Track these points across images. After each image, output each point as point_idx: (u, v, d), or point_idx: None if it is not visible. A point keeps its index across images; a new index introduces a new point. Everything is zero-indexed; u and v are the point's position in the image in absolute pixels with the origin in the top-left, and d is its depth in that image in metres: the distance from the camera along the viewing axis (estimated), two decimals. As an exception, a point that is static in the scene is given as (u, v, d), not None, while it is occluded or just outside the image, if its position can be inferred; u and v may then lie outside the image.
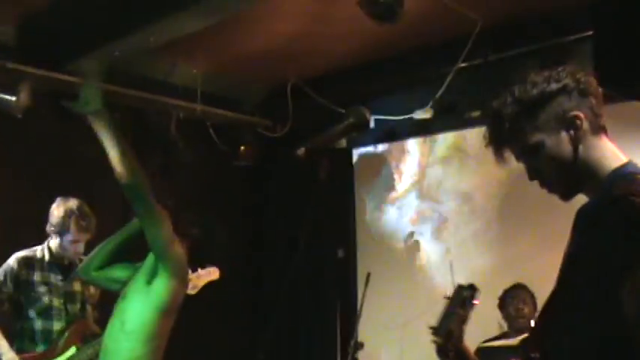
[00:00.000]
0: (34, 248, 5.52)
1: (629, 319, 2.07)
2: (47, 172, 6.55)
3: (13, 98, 6.05)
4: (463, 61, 6.32)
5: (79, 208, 5.41)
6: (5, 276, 5.39)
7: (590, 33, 5.13)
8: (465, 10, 5.86)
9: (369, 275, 6.10)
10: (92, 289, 5.56)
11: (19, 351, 5.33)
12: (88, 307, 5.57)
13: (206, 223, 4.75)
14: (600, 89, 2.40)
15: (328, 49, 6.88)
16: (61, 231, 5.40)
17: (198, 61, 7.09)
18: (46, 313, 5.40)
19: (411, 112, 6.90)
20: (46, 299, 5.41)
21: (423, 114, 6.84)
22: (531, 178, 2.42)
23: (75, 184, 6.06)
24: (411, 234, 7.44)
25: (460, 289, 3.08)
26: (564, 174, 2.35)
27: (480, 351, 5.33)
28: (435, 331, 2.98)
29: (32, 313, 5.38)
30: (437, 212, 7.26)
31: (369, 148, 7.86)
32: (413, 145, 7.54)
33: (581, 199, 2.38)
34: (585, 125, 2.34)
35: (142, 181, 4.14)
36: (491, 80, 5.90)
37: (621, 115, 5.55)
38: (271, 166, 8.17)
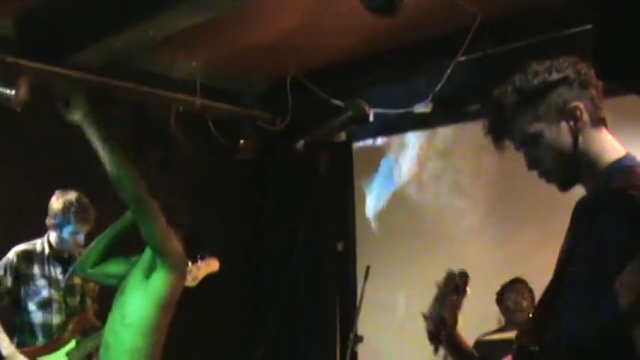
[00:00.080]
0: (34, 242, 5.52)
1: (623, 311, 2.08)
2: (46, 165, 6.55)
3: (12, 92, 6.05)
4: (463, 55, 6.31)
5: (78, 200, 5.42)
6: (5, 270, 5.40)
7: (590, 26, 5.12)
8: (464, 3, 5.85)
9: (368, 268, 6.10)
10: (92, 283, 5.57)
11: (19, 345, 5.34)
12: (88, 300, 5.58)
13: (198, 212, 4.76)
14: (600, 82, 2.40)
15: (328, 43, 6.87)
16: (61, 223, 5.40)
17: (197, 54, 7.08)
18: (45, 306, 5.40)
19: (411, 105, 6.89)
20: (45, 293, 5.41)
21: (422, 107, 6.83)
22: (530, 167, 2.43)
23: (74, 177, 6.06)
24: (411, 227, 7.44)
25: (451, 275, 3.08)
26: (563, 164, 2.36)
27: (478, 344, 5.34)
28: (427, 316, 2.98)
29: (32, 307, 5.39)
30: (436, 206, 7.26)
31: (369, 142, 7.85)
32: (412, 138, 7.53)
33: (580, 193, 2.39)
34: (585, 116, 2.34)
35: (133, 178, 4.16)
36: (491, 73, 5.89)
37: (621, 108, 5.56)
38: (271, 159, 8.16)
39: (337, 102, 6.66)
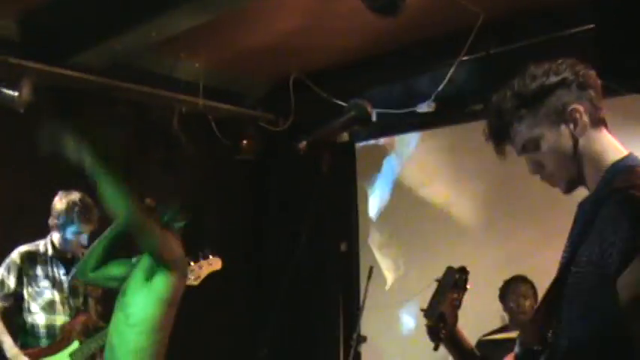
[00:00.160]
0: (37, 242, 5.53)
1: (624, 310, 2.08)
2: (49, 165, 6.54)
3: (16, 93, 6.06)
4: (465, 54, 6.32)
5: (81, 200, 5.42)
6: (8, 271, 5.40)
7: (593, 26, 5.13)
8: (467, 3, 5.85)
9: (371, 269, 6.10)
10: (94, 285, 5.58)
11: (22, 346, 5.34)
12: (91, 301, 5.58)
13: (200, 212, 4.78)
14: (600, 82, 2.40)
15: (331, 43, 6.87)
16: (65, 223, 5.41)
17: (200, 55, 7.09)
18: (49, 307, 5.40)
19: (414, 105, 6.89)
20: (49, 294, 5.41)
21: (425, 107, 6.83)
22: (532, 172, 2.43)
23: (76, 177, 6.06)
24: (413, 227, 7.43)
25: (450, 271, 3.07)
26: (565, 167, 2.36)
27: (481, 343, 5.34)
28: (426, 313, 2.97)
29: (35, 308, 5.39)
30: (438, 205, 7.25)
31: (372, 142, 7.85)
32: (415, 138, 7.53)
33: (583, 193, 2.39)
34: (585, 118, 2.34)
35: (127, 202, 4.17)
36: (493, 73, 5.90)
37: (624, 108, 5.56)
38: (273, 159, 8.17)
39: (340, 102, 6.66)
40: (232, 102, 7.81)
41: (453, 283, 3.02)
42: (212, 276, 5.47)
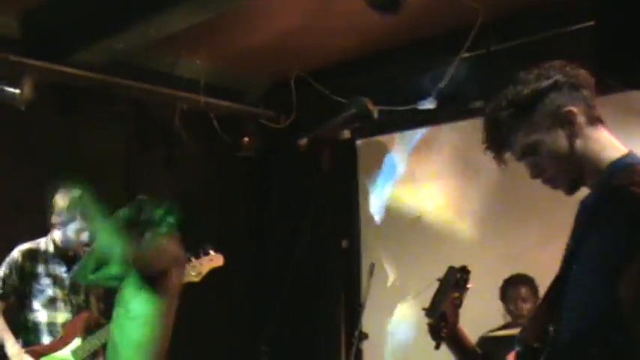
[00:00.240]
0: (38, 240, 5.53)
1: (625, 307, 2.09)
2: (50, 163, 6.56)
3: (17, 91, 6.07)
4: (466, 52, 6.32)
5: (82, 197, 5.42)
6: (10, 269, 5.40)
7: (592, 23, 5.12)
8: (467, 1, 5.85)
9: (372, 265, 6.10)
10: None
11: (24, 343, 5.35)
12: (92, 299, 5.57)
13: (196, 207, 4.83)
14: (592, 80, 2.40)
15: (332, 41, 6.87)
16: (66, 221, 5.40)
17: (201, 53, 7.09)
18: (50, 305, 5.41)
19: (415, 102, 6.90)
20: (50, 291, 5.41)
21: (426, 104, 6.83)
22: (533, 176, 2.44)
23: (77, 174, 6.08)
24: (415, 224, 7.43)
25: (452, 270, 3.08)
26: (565, 169, 2.36)
27: (483, 340, 5.33)
28: (428, 312, 2.98)
29: (37, 306, 5.39)
30: (441, 202, 7.26)
31: (373, 139, 7.84)
32: (417, 135, 7.53)
33: (584, 191, 2.39)
34: (580, 119, 2.35)
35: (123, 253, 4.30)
36: (494, 70, 5.90)
37: (624, 104, 5.57)
38: (275, 157, 8.17)
39: (341, 100, 6.66)
40: (233, 99, 7.82)
41: (455, 282, 3.04)
42: (213, 272, 5.47)
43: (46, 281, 5.42)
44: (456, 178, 7.16)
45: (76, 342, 5.37)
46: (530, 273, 5.86)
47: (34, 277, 5.41)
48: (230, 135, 7.72)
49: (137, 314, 4.31)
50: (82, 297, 5.51)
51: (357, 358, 6.17)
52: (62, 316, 5.42)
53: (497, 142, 2.43)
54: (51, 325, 5.40)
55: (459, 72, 6.42)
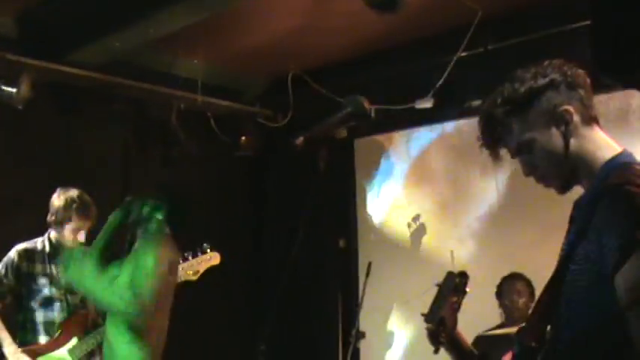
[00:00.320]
0: (35, 240, 5.52)
1: (622, 306, 2.09)
2: (48, 162, 6.56)
3: (14, 90, 6.06)
4: (464, 50, 6.32)
5: (79, 197, 5.42)
6: (6, 268, 5.40)
7: (589, 22, 5.12)
8: (465, 0, 5.85)
9: (370, 265, 6.11)
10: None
11: (21, 343, 5.34)
12: (89, 298, 5.58)
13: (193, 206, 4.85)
14: (589, 80, 2.40)
15: (330, 40, 6.87)
16: (63, 220, 5.40)
17: (199, 52, 7.08)
18: (47, 304, 5.40)
19: (412, 101, 6.89)
20: (47, 291, 5.41)
21: (424, 103, 6.83)
22: (527, 174, 2.44)
23: (75, 174, 6.08)
24: (412, 223, 7.44)
25: (450, 275, 3.09)
26: (559, 168, 2.36)
27: (479, 339, 5.34)
28: (427, 317, 2.99)
29: (34, 305, 5.39)
30: (438, 201, 7.26)
31: (371, 138, 7.85)
32: (414, 134, 7.53)
33: (580, 191, 2.39)
34: (576, 118, 2.34)
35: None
36: (491, 69, 5.89)
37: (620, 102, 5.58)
38: (272, 156, 8.18)
39: (339, 99, 6.65)
40: (231, 99, 7.82)
41: (453, 287, 3.04)
42: (211, 271, 5.46)
43: (42, 281, 5.41)
44: (453, 177, 7.16)
45: (73, 341, 5.36)
46: (527, 273, 5.87)
47: (31, 277, 5.40)
48: (228, 134, 7.72)
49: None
50: (78, 296, 5.50)
51: (354, 357, 6.17)
52: (59, 315, 5.41)
53: (492, 138, 2.43)
54: (48, 325, 5.39)
55: (457, 71, 6.42)
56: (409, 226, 7.46)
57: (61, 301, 5.44)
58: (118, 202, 4.76)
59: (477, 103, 6.45)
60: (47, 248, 5.47)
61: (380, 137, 7.79)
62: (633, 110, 5.74)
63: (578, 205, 2.37)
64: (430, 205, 7.31)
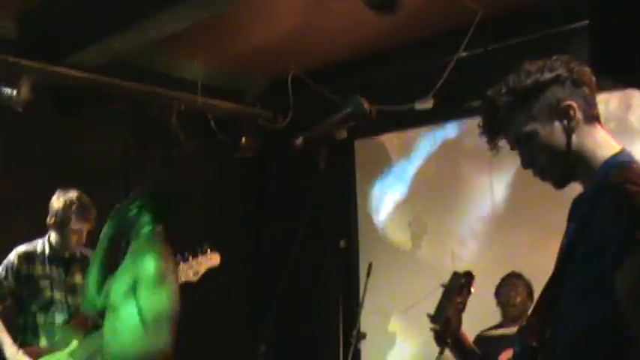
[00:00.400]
0: (35, 242, 5.52)
1: (623, 304, 2.09)
2: (47, 164, 6.56)
3: (14, 92, 6.06)
4: (464, 51, 6.31)
5: (79, 198, 5.41)
6: (6, 271, 5.40)
7: (588, 22, 5.12)
8: (465, 0, 5.85)
9: (370, 265, 6.10)
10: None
11: (22, 345, 5.34)
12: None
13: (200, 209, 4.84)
14: (594, 79, 2.41)
15: (329, 41, 6.87)
16: (63, 222, 5.40)
17: (199, 53, 7.08)
18: (47, 307, 5.40)
19: (412, 102, 6.89)
20: (47, 293, 5.41)
21: (424, 104, 6.82)
22: (525, 166, 2.44)
23: (75, 175, 6.08)
24: (412, 224, 7.44)
25: (456, 276, 3.10)
26: (558, 163, 2.37)
27: (480, 339, 5.35)
28: (433, 318, 2.99)
29: (34, 308, 5.39)
30: (438, 202, 7.26)
31: (371, 139, 7.84)
32: (414, 135, 7.53)
33: (578, 189, 2.39)
34: (579, 115, 2.35)
35: None
36: (492, 70, 5.88)
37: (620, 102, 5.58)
38: (272, 157, 8.18)
39: (339, 99, 6.65)
40: (231, 100, 7.82)
41: (459, 287, 3.05)
42: (211, 272, 5.45)
43: (42, 283, 5.41)
44: (453, 177, 7.16)
45: (74, 344, 5.36)
46: (526, 273, 5.87)
47: (31, 279, 5.40)
48: (228, 135, 7.72)
49: (127, 320, 4.32)
50: (79, 298, 5.50)
51: (355, 358, 6.16)
52: (59, 317, 5.42)
53: (492, 126, 2.43)
54: (48, 327, 5.39)
55: (457, 71, 6.42)
56: (410, 226, 7.46)
57: (61, 303, 5.44)
58: (117, 203, 4.76)
59: (476, 103, 6.43)
60: (47, 250, 5.47)
61: (380, 138, 7.79)
62: (633, 110, 5.76)
63: (576, 203, 2.38)
64: (430, 206, 7.31)
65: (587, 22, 5.31)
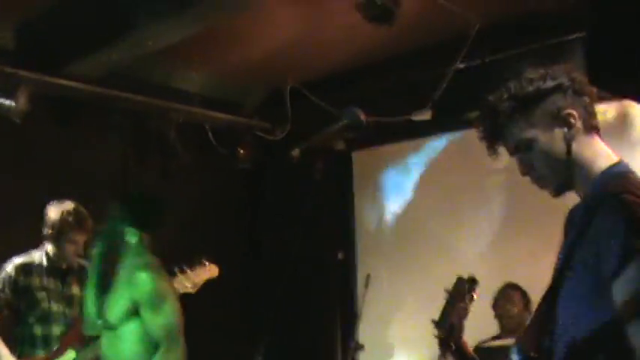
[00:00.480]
0: (32, 254, 5.51)
1: (620, 313, 2.09)
2: (45, 175, 6.55)
3: (12, 103, 6.06)
4: (461, 62, 6.32)
5: (75, 209, 5.42)
6: (3, 283, 5.39)
7: (584, 34, 5.14)
8: (462, 11, 5.86)
9: (368, 277, 6.10)
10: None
11: (20, 356, 5.33)
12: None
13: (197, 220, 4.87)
14: (594, 89, 2.42)
15: (327, 53, 6.88)
16: (59, 233, 5.39)
17: (197, 65, 7.09)
18: (45, 318, 5.39)
19: (410, 113, 6.89)
20: (45, 304, 5.40)
21: (421, 115, 6.83)
22: (523, 173, 2.44)
23: (73, 186, 6.07)
24: (410, 235, 7.43)
25: (460, 281, 3.10)
26: (556, 170, 2.37)
27: (478, 350, 5.34)
28: (437, 324, 3.00)
29: (31, 319, 5.38)
30: (436, 213, 7.26)
31: (369, 150, 7.84)
32: (412, 146, 7.53)
33: (575, 200, 2.40)
34: (579, 124, 2.35)
35: None
36: (489, 81, 5.89)
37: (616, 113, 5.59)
38: (270, 168, 8.18)
39: (337, 111, 6.65)
40: (229, 111, 7.82)
41: (463, 293, 3.06)
42: (209, 283, 5.45)
43: (40, 295, 5.41)
44: (451, 188, 7.16)
45: (71, 354, 5.35)
46: (524, 282, 5.88)
47: (28, 291, 5.39)
48: (225, 147, 7.72)
49: (129, 337, 4.34)
50: (76, 309, 5.50)
51: (353, 368, 6.16)
52: (57, 329, 5.41)
53: (493, 132, 2.44)
54: (46, 338, 5.38)
55: (455, 83, 6.43)
56: (407, 238, 7.45)
57: (59, 314, 5.43)
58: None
59: (474, 114, 6.43)
60: (45, 262, 5.46)
61: (378, 149, 7.79)
62: (631, 120, 5.77)
63: (573, 213, 2.38)
64: (428, 218, 7.31)
65: (584, 33, 5.34)
